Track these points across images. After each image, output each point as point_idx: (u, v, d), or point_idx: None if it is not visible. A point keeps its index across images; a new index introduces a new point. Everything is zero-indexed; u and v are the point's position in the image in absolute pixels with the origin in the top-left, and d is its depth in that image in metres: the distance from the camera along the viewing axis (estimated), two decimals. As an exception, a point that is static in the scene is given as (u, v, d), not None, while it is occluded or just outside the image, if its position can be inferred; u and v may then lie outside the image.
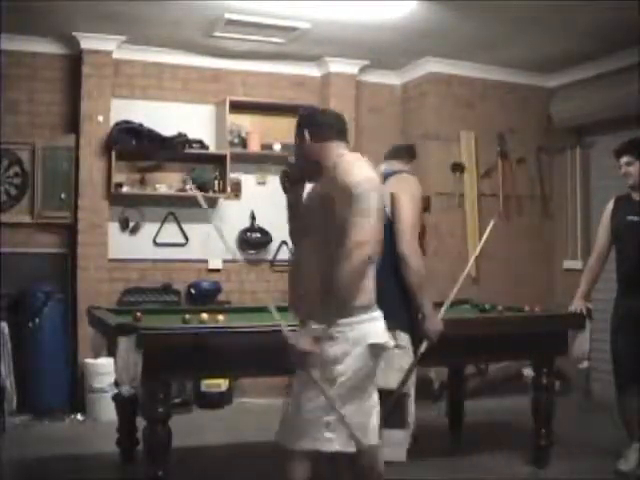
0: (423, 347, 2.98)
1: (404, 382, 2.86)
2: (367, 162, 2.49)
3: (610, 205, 4.09)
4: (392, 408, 2.71)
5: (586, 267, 4.22)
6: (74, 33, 5.19)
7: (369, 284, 2.42)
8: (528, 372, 4.92)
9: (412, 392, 2.98)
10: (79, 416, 4.99)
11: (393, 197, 2.97)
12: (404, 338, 2.86)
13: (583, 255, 6.00)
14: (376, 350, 2.39)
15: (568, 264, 6.14)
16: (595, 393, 5.79)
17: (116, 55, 5.44)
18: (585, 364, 5.09)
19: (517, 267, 6.13)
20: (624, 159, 3.93)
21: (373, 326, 2.41)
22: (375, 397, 2.46)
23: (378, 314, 2.45)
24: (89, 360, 4.91)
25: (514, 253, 6.14)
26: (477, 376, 5.70)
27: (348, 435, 2.33)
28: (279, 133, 5.78)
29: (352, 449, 2.36)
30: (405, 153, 3.49)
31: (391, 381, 2.77)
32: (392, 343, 2.46)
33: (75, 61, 5.39)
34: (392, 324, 2.62)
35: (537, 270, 6.23)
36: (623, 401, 3.92)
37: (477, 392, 5.53)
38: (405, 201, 3.00)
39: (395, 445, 2.77)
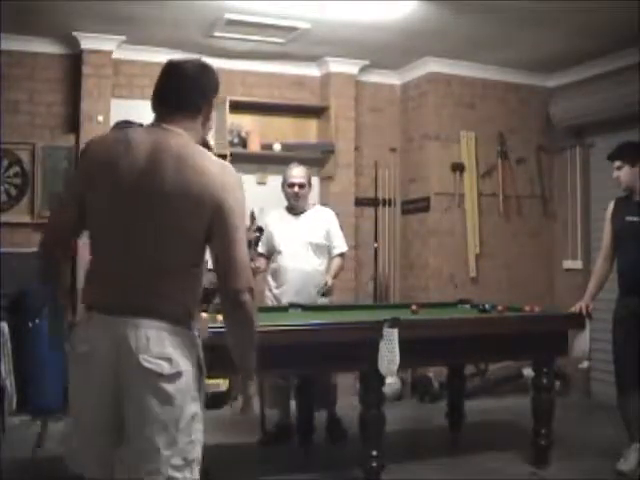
0: None
1: None
2: None
3: (610, 206, 4.14)
4: None
5: (593, 269, 4.30)
6: (74, 33, 5.19)
7: None
8: (528, 372, 4.92)
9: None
10: (79, 416, 4.98)
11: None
12: None
13: (583, 255, 6.02)
14: None
15: (568, 264, 6.14)
16: (595, 393, 5.79)
17: (116, 55, 5.44)
18: (585, 364, 5.09)
19: (517, 267, 6.14)
20: (616, 163, 4.02)
21: None
22: None
23: None
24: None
25: (514, 253, 6.15)
26: (477, 376, 5.70)
27: None
28: (279, 133, 5.79)
29: None
30: None
31: None
32: None
33: (75, 61, 5.39)
34: None
35: (537, 270, 6.23)
36: (623, 401, 3.92)
37: (477, 392, 5.53)
38: None
39: None
